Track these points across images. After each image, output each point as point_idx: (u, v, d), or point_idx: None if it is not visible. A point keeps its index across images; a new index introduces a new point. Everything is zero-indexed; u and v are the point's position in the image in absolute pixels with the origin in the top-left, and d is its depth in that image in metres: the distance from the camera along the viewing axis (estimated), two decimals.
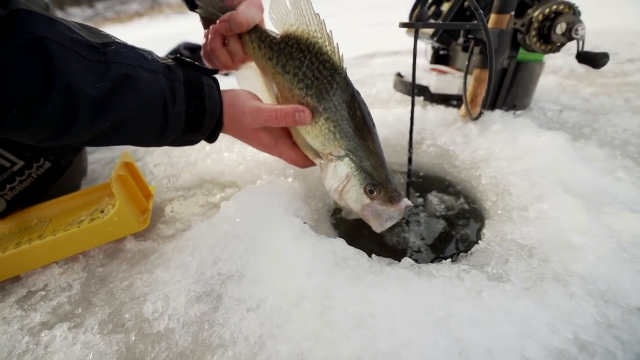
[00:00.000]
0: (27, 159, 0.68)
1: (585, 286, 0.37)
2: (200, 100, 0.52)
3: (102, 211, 0.67)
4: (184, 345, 0.42)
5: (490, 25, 0.70)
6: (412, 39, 0.62)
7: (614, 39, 1.58)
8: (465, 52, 0.90)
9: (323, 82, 0.50)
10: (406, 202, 0.48)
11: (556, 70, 1.27)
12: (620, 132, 0.75)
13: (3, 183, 0.67)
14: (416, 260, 0.46)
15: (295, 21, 0.51)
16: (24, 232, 0.65)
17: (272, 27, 0.56)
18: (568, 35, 0.67)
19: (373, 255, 0.47)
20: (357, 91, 0.51)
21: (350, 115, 0.50)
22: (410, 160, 0.72)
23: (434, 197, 0.68)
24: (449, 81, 0.87)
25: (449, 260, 0.46)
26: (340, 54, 0.49)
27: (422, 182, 0.75)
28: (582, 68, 1.25)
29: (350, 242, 0.49)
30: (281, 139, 0.59)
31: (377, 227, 0.49)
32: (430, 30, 0.84)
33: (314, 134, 0.52)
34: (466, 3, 0.80)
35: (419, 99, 0.93)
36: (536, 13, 0.68)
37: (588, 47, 0.68)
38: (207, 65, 0.63)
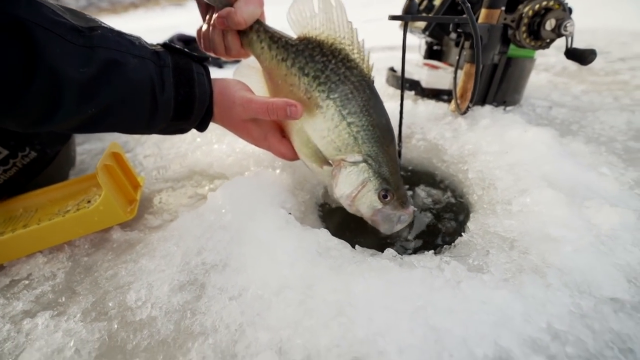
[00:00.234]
0: (12, 148, 0.68)
1: (562, 277, 0.38)
2: (189, 87, 0.51)
3: (89, 201, 0.67)
4: (165, 333, 0.42)
5: (480, 20, 0.70)
6: (407, 35, 0.62)
7: (608, 38, 1.59)
8: (458, 47, 0.91)
9: (349, 86, 0.49)
10: (413, 206, 0.49)
11: (548, 68, 1.27)
12: (607, 129, 0.76)
13: None
14: (405, 252, 0.46)
15: (320, 25, 0.50)
16: (9, 221, 0.65)
17: (286, 27, 0.55)
18: (557, 32, 0.67)
19: (357, 246, 0.48)
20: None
21: (377, 121, 0.49)
22: (399, 154, 0.73)
23: (421, 191, 0.68)
24: (440, 76, 0.87)
25: (431, 251, 0.47)
26: (371, 64, 0.49)
27: (411, 176, 0.75)
28: (574, 66, 1.26)
29: (337, 234, 0.50)
30: (270, 132, 0.59)
31: (387, 230, 0.50)
32: (422, 25, 0.84)
33: (330, 139, 0.50)
34: None
35: (411, 94, 0.93)
36: (526, 9, 0.68)
37: (582, 46, 0.68)
38: (202, 49, 0.62)
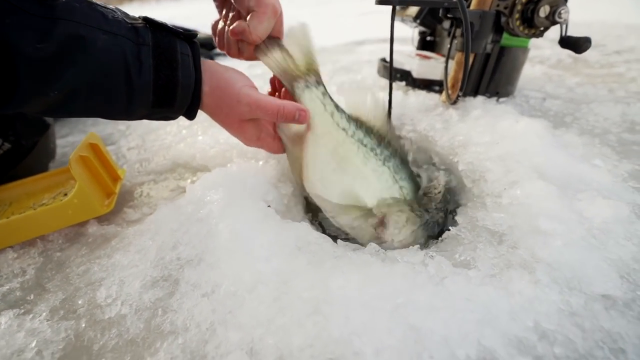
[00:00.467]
0: None
1: (551, 273, 0.36)
2: (171, 70, 0.45)
3: (65, 194, 0.64)
4: (135, 332, 0.40)
5: (472, 6, 0.68)
6: (400, 25, 0.60)
7: (603, 31, 1.57)
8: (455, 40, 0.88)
9: (399, 159, 0.58)
10: None
11: (543, 60, 1.25)
12: (602, 121, 0.74)
13: None
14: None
15: (368, 113, 0.58)
16: None
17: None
18: (551, 19, 0.65)
19: (339, 240, 0.46)
20: None
21: (415, 184, 0.60)
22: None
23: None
24: (432, 66, 0.84)
25: (417, 246, 0.44)
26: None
27: None
28: (570, 59, 1.24)
29: (325, 228, 0.47)
30: (264, 131, 0.55)
31: None
32: (413, 12, 0.82)
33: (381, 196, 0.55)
34: None
35: (402, 85, 0.90)
36: None
37: None
38: (215, 40, 0.59)
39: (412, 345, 0.30)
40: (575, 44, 0.63)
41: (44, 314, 0.44)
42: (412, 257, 0.40)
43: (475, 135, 0.62)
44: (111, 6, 0.45)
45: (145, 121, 0.66)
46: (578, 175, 0.51)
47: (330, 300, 0.34)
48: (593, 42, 0.64)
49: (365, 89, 0.64)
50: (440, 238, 0.49)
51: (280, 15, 0.55)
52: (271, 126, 0.57)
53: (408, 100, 0.79)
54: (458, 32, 0.69)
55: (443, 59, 0.87)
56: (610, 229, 0.40)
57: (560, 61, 1.23)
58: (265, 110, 0.49)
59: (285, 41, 0.56)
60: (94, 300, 0.45)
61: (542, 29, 0.68)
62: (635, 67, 1.09)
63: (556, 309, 0.32)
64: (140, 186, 0.73)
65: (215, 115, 0.54)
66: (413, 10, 0.82)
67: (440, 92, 0.83)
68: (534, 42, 0.79)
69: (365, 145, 0.56)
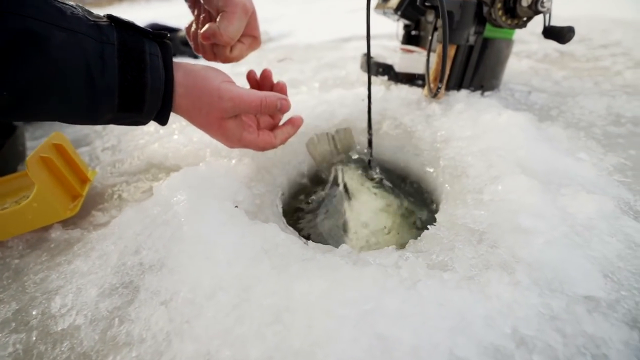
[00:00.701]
0: None
1: (531, 273, 0.33)
2: (138, 71, 0.42)
3: (28, 197, 0.61)
4: (88, 344, 0.37)
5: None
6: (386, 21, 0.57)
7: (589, 26, 1.56)
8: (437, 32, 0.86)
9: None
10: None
11: (530, 55, 1.23)
12: (587, 114, 0.72)
13: None
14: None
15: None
16: None
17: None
18: (534, 9, 0.63)
19: (309, 242, 0.43)
20: None
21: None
22: (370, 142, 0.68)
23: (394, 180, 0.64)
24: (414, 59, 0.82)
25: (392, 246, 0.42)
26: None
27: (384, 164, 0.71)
28: (556, 53, 1.23)
29: (300, 229, 0.45)
30: (246, 130, 0.51)
31: None
32: (394, 4, 0.79)
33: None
34: None
35: (383, 79, 0.88)
36: None
37: None
38: (191, 44, 0.57)
39: (378, 356, 0.27)
40: (559, 34, 0.61)
41: None
42: (385, 259, 0.37)
43: (458, 130, 0.60)
44: (71, 2, 0.41)
45: None
46: (562, 169, 0.49)
47: (293, 307, 0.31)
48: (579, 36, 0.63)
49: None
50: (418, 237, 0.46)
51: (253, 13, 0.53)
52: (253, 123, 0.54)
53: (390, 94, 0.77)
54: (439, 23, 0.67)
55: (426, 53, 0.85)
56: (594, 225, 0.38)
57: (547, 55, 1.21)
58: (249, 103, 0.47)
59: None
60: (48, 310, 0.42)
61: (525, 19, 0.66)
62: (621, 61, 1.08)
63: (536, 312, 0.30)
64: (112, 188, 0.69)
65: (193, 117, 0.50)
66: (394, 2, 0.79)
67: (422, 86, 0.81)
68: (520, 36, 0.77)
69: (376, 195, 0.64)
